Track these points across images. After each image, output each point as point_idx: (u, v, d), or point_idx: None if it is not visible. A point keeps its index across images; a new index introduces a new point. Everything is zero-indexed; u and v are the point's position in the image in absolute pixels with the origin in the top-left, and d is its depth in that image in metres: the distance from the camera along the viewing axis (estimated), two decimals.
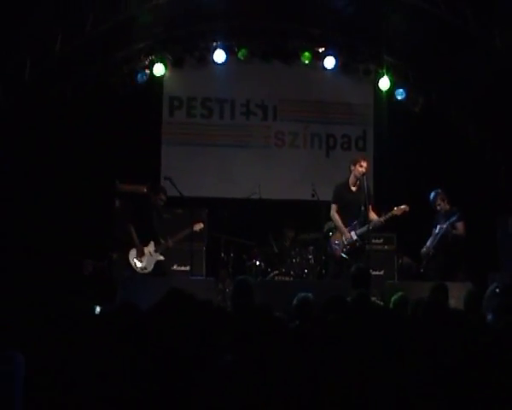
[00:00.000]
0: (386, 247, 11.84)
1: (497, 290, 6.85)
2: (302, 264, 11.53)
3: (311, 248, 11.65)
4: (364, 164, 10.28)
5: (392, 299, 6.27)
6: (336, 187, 10.49)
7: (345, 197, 10.32)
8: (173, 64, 13.15)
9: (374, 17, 12.07)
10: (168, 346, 2.84)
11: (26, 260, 10.91)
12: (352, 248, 10.08)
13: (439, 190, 10.82)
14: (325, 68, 13.47)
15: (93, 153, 12.33)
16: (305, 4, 12.25)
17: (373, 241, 10.89)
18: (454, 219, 10.57)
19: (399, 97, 13.55)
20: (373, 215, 10.14)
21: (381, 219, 10.09)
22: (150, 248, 10.45)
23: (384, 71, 13.17)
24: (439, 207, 10.82)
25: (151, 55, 12.86)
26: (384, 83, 13.24)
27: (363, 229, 9.98)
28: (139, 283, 9.65)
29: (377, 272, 10.52)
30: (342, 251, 10.11)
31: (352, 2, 12.01)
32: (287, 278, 10.98)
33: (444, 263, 10.53)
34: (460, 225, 10.67)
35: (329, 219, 11.05)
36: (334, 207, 10.36)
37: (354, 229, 10.09)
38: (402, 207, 10.14)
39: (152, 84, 13.08)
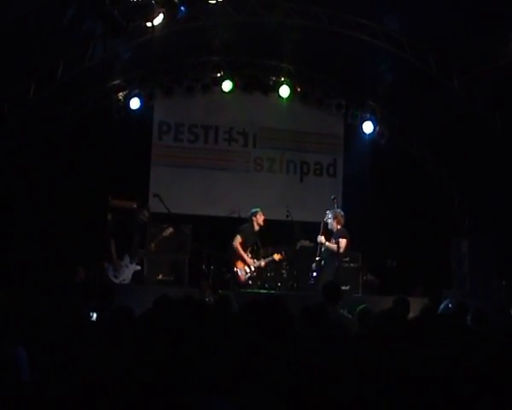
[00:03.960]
0: (352, 264, 11.98)
1: (450, 305, 7.05)
2: (276, 278, 11.68)
3: (284, 263, 11.79)
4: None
5: (357, 309, 6.39)
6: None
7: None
8: (163, 93, 13.26)
9: (345, 56, 12.28)
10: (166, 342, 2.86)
11: (26, 264, 10.96)
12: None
13: (335, 211, 10.98)
14: (301, 101, 13.66)
15: (88, 170, 12.46)
16: (283, 42, 12.44)
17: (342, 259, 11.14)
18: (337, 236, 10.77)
19: (367, 131, 13.76)
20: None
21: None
22: (125, 260, 10.56)
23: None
24: (329, 227, 10.94)
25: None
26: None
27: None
28: (128, 291, 9.68)
29: (344, 287, 10.62)
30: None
31: (328, 42, 12.15)
32: (262, 291, 11.07)
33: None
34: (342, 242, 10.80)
35: (302, 237, 11.35)
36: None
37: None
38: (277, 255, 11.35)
39: (144, 110, 13.19)
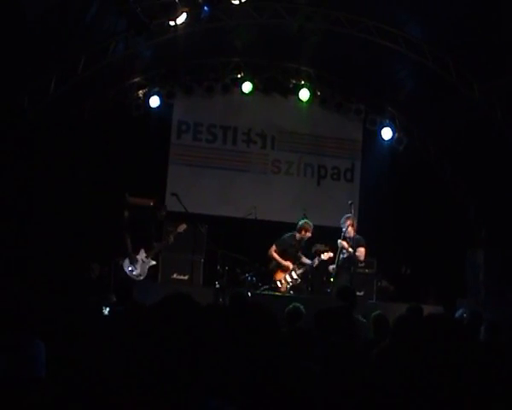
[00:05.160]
0: (366, 270, 11.95)
1: (465, 315, 7.04)
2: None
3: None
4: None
5: (372, 315, 6.41)
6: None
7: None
8: (183, 92, 13.31)
9: (367, 62, 12.27)
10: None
11: (42, 260, 11.01)
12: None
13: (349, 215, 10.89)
14: (320, 105, 13.66)
15: (106, 167, 12.52)
16: (303, 46, 12.46)
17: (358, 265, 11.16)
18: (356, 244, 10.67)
19: (386, 137, 13.73)
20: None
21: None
22: (141, 255, 10.56)
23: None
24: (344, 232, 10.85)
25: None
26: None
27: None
28: (143, 288, 9.68)
29: (358, 293, 10.58)
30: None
31: (347, 47, 12.16)
32: (276, 293, 11.06)
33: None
34: (362, 252, 10.76)
35: (317, 241, 11.34)
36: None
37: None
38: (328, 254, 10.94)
39: (163, 108, 13.23)
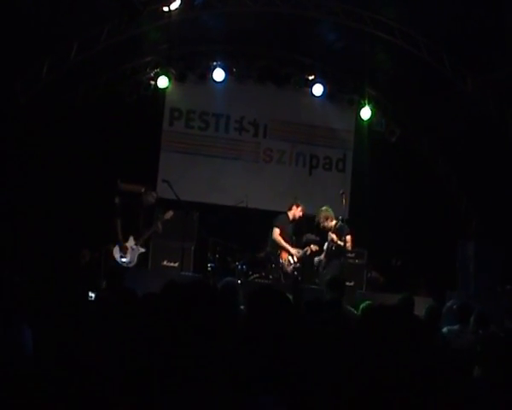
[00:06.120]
0: (357, 261, 11.99)
1: (454, 307, 7.05)
2: (280, 269, 11.63)
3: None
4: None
5: (361, 306, 6.42)
6: None
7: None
8: (176, 78, 13.23)
9: (360, 53, 12.24)
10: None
11: (32, 246, 10.97)
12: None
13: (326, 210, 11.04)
14: (313, 95, 13.65)
15: (98, 153, 12.44)
16: (298, 35, 12.42)
17: (347, 255, 11.20)
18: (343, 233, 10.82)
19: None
20: None
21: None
22: (131, 242, 10.51)
23: (366, 102, 13.31)
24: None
25: (157, 68, 12.94)
26: (365, 113, 13.38)
27: None
28: (133, 275, 9.65)
29: (348, 283, 10.61)
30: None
31: (342, 38, 12.18)
32: (266, 281, 11.05)
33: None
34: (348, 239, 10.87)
35: (308, 231, 11.35)
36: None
37: None
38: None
39: (155, 95, 13.16)
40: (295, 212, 11.32)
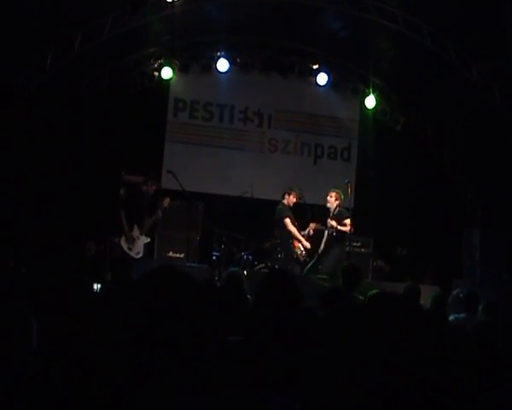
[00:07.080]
0: (362, 249, 11.96)
1: (461, 295, 7.01)
2: (286, 260, 11.60)
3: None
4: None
5: (368, 294, 6.38)
6: None
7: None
8: (180, 69, 13.19)
9: (365, 42, 12.19)
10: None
11: (37, 238, 10.96)
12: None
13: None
14: (318, 84, 13.61)
15: (102, 145, 12.40)
16: (302, 24, 12.35)
17: (353, 244, 11.24)
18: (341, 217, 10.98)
19: (382, 116, 13.65)
20: None
21: None
22: (135, 232, 10.48)
23: (370, 91, 13.25)
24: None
25: (160, 59, 12.90)
26: (370, 101, 13.33)
27: None
28: (140, 266, 9.61)
29: None
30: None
31: (347, 26, 12.11)
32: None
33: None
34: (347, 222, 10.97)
35: (313, 220, 11.34)
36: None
37: None
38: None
39: (159, 86, 13.12)
40: (289, 200, 11.34)
